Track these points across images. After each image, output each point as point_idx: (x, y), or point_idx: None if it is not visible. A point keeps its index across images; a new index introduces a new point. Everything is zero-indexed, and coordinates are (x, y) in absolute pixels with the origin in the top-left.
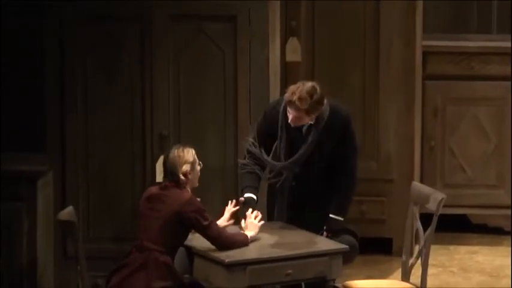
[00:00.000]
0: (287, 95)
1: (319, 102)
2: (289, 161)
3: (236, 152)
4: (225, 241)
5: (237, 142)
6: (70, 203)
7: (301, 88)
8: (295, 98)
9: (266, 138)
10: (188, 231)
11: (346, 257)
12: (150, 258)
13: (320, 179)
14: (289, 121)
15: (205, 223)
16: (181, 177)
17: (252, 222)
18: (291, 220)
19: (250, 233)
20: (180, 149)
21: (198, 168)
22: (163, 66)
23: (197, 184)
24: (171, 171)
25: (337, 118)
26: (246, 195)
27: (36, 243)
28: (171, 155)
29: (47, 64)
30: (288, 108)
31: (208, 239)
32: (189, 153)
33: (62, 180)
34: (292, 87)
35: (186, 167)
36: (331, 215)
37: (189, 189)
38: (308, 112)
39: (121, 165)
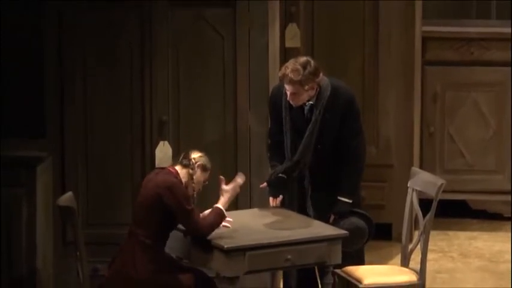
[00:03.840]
0: (282, 68)
1: (313, 73)
2: (300, 148)
3: (235, 137)
4: (205, 229)
5: (236, 128)
6: (69, 188)
7: (293, 62)
8: (288, 70)
9: (278, 119)
10: (173, 215)
11: (352, 241)
12: (137, 243)
13: (327, 161)
14: (287, 99)
15: (189, 207)
16: (192, 160)
17: (225, 188)
18: (300, 206)
19: (221, 202)
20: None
21: (202, 177)
22: (162, 52)
23: (198, 188)
24: (185, 154)
25: (338, 98)
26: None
27: (36, 229)
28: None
29: (47, 49)
30: (285, 85)
31: (187, 225)
32: (208, 163)
33: (61, 166)
34: (285, 64)
35: (199, 156)
36: (338, 197)
37: (185, 180)
38: (302, 83)
39: (120, 151)
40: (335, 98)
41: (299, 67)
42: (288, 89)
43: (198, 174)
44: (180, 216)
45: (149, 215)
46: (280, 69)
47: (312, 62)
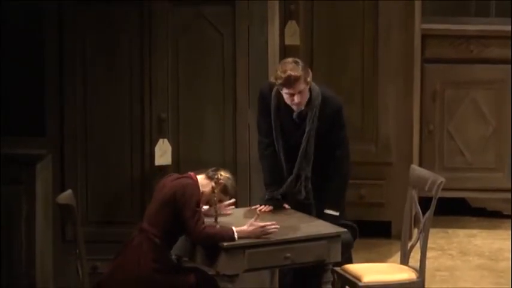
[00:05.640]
0: (278, 75)
1: (306, 67)
2: (297, 161)
3: (235, 135)
4: (203, 234)
5: (236, 125)
6: (69, 186)
7: (283, 64)
8: (287, 72)
9: (269, 125)
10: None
11: (341, 254)
12: (146, 240)
13: (315, 170)
14: (292, 104)
15: (196, 208)
16: (219, 177)
17: (253, 223)
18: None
19: (240, 229)
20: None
21: (220, 197)
22: (162, 49)
23: (216, 207)
24: (216, 168)
25: (328, 106)
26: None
27: (35, 226)
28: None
29: (46, 46)
30: (287, 91)
31: (189, 224)
32: (233, 188)
33: (61, 164)
34: (275, 73)
35: (226, 176)
36: (325, 211)
37: (202, 190)
38: (304, 77)
39: (120, 149)
40: (324, 107)
41: (293, 64)
42: (294, 90)
43: (217, 193)
44: (185, 213)
45: (163, 214)
46: (270, 81)
47: (298, 59)
